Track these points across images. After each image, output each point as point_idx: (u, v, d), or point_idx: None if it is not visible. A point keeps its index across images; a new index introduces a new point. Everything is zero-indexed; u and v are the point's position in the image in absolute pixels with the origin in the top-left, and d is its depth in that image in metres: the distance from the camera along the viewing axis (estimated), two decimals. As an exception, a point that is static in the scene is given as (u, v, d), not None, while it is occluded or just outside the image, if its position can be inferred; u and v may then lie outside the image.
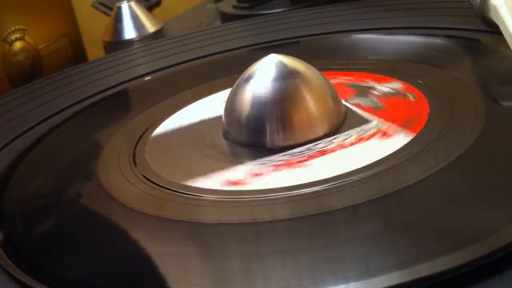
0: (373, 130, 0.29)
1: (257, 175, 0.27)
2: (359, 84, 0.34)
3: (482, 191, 0.23)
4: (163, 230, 0.25)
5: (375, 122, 0.30)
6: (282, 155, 0.28)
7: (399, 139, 0.28)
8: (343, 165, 0.27)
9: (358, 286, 0.20)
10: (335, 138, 0.29)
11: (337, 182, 0.25)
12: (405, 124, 0.29)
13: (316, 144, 0.29)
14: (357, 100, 0.32)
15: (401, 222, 0.23)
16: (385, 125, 0.29)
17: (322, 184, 0.25)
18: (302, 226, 0.23)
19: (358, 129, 0.30)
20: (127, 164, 0.31)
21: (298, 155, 0.28)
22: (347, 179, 0.25)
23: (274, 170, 0.27)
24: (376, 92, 0.33)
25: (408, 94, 0.32)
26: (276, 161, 0.28)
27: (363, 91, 0.33)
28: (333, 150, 0.28)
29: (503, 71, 0.32)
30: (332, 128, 0.30)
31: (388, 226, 0.22)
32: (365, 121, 0.30)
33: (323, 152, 0.28)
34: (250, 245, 0.23)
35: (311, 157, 0.28)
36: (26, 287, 0.23)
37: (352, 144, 0.28)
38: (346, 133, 0.29)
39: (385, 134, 0.29)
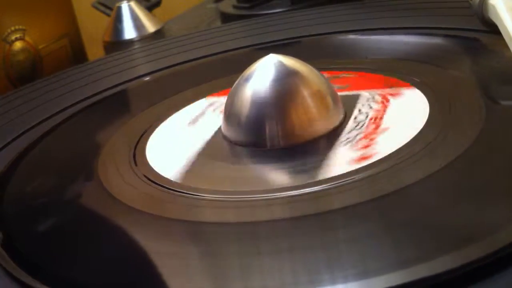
0: (378, 96, 0.30)
1: (365, 147, 0.27)
2: None
3: (482, 191, 0.23)
4: (163, 230, 0.25)
5: (364, 93, 0.31)
6: (349, 132, 0.29)
7: (411, 94, 0.30)
8: (412, 117, 0.28)
9: (357, 287, 0.20)
10: (360, 111, 0.30)
11: (337, 182, 0.25)
12: (390, 86, 0.31)
13: (355, 118, 0.30)
14: None
15: (401, 222, 0.23)
16: (378, 91, 0.31)
17: (322, 184, 0.25)
18: (302, 226, 0.23)
19: (363, 100, 0.30)
20: (127, 164, 0.31)
21: (362, 127, 0.29)
22: (347, 179, 0.25)
23: (370, 141, 0.27)
24: None
25: (344, 74, 0.33)
26: (356, 136, 0.28)
27: None
28: (382, 114, 0.29)
29: (503, 70, 0.32)
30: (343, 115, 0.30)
31: (387, 226, 0.22)
32: (356, 96, 0.31)
33: (377, 119, 0.29)
34: (250, 245, 0.23)
35: (378, 123, 0.28)
36: (26, 287, 0.23)
37: (385, 107, 0.30)
38: (362, 105, 0.30)
39: (393, 95, 0.30)
